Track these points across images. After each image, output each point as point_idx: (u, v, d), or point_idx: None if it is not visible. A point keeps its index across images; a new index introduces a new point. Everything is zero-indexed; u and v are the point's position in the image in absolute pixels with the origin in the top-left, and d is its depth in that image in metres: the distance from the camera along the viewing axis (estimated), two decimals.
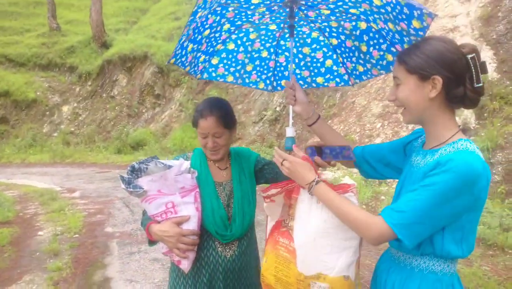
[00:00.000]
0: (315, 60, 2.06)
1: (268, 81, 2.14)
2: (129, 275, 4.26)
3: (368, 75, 2.00)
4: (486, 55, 7.72)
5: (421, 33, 1.54)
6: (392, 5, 1.53)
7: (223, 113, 1.83)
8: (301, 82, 2.12)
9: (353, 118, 10.47)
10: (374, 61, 1.91)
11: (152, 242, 1.87)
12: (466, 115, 7.63)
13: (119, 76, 17.04)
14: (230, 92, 13.92)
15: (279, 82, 2.14)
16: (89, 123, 16.54)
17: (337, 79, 2.10)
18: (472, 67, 1.29)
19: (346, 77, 2.07)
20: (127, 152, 14.30)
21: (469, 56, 1.29)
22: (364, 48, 1.91)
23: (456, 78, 1.30)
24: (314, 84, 2.12)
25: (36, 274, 4.28)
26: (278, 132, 11.67)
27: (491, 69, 7.64)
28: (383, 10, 1.59)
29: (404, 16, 1.52)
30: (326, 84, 2.10)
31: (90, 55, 18.06)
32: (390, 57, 1.90)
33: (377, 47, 1.84)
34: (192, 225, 1.72)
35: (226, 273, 1.81)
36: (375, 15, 1.67)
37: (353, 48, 1.94)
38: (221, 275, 1.81)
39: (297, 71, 2.10)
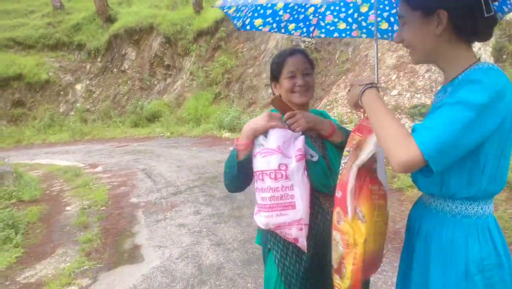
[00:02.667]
0: (303, 5, 1.95)
1: (245, 18, 1.98)
2: (157, 241, 4.38)
3: (344, 34, 1.98)
4: None
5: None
6: None
7: (307, 54, 1.78)
8: (274, 25, 2.00)
9: (367, 72, 10.24)
10: (364, 24, 1.88)
11: (242, 163, 1.64)
12: (484, 58, 7.37)
13: (127, 50, 16.94)
14: (240, 56, 13.71)
15: (253, 20, 1.98)
16: (104, 100, 16.65)
17: (304, 29, 2.06)
18: None
19: (312, 28, 2.03)
20: (144, 124, 14.44)
21: None
22: (363, 9, 1.86)
23: (463, 10, 1.20)
24: (283, 30, 2.01)
25: (68, 247, 4.44)
26: None
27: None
28: None
29: None
30: (292, 32, 2.03)
31: (96, 31, 17.94)
32: (384, 25, 1.86)
33: (378, 12, 1.77)
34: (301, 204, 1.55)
35: (325, 227, 1.64)
36: None
37: (351, 5, 1.89)
38: (320, 227, 1.64)
39: (280, 12, 1.96)
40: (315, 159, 1.61)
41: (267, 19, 1.97)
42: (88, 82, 17.44)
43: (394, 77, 9.52)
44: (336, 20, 1.98)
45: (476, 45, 7.40)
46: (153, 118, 14.59)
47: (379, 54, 10.43)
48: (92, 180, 7.48)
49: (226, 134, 11.15)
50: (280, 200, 1.53)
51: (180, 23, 15.50)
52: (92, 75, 17.51)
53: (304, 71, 1.70)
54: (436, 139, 1.10)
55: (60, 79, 17.18)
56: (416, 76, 9.02)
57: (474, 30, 1.22)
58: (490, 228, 1.26)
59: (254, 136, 1.61)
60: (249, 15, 1.95)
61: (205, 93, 13.77)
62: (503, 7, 1.53)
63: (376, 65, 1.72)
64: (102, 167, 8.89)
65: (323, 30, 2.03)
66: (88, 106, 16.81)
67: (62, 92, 17.13)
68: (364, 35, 1.97)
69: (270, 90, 12.14)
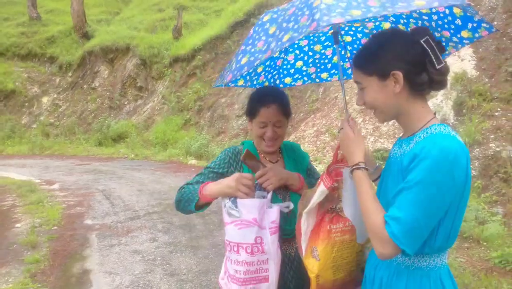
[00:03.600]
0: (323, 56, 2.09)
1: (272, 80, 2.14)
2: (108, 267, 4.22)
3: (343, 77, 2.09)
4: (466, 53, 7.87)
5: (466, 42, 1.54)
6: (442, 14, 1.49)
7: (284, 101, 1.76)
8: (305, 78, 2.16)
9: (335, 113, 10.55)
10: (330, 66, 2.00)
11: (200, 206, 1.70)
12: (445, 111, 7.77)
13: (100, 67, 16.76)
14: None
15: (283, 80, 2.16)
16: (70, 115, 16.24)
17: (341, 74, 2.17)
18: (429, 50, 1.25)
19: (349, 71, 2.11)
20: (108, 144, 14.12)
21: (422, 40, 1.26)
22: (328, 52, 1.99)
23: (416, 67, 1.27)
24: (317, 80, 2.16)
25: (13, 266, 4.20)
26: None
27: (470, 66, 7.78)
28: (425, 17, 1.55)
29: (452, 26, 1.49)
30: (329, 79, 2.15)
31: (71, 45, 17.71)
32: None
33: (342, 53, 1.90)
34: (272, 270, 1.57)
35: (295, 272, 1.72)
36: (411, 20, 1.63)
37: (350, 47, 2.00)
38: (290, 275, 1.71)
39: (304, 68, 2.12)
40: (289, 209, 1.66)
41: (295, 76, 2.14)
42: (55, 96, 17.03)
43: (360, 120, 9.84)
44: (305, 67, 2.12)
45: (438, 98, 7.82)
46: (119, 138, 14.31)
47: (347, 97, 10.83)
48: (47, 197, 7.19)
49: (192, 161, 11.06)
50: (255, 273, 1.55)
51: (157, 47, 15.57)
52: (61, 89, 17.13)
53: (276, 124, 1.73)
54: (405, 228, 1.17)
55: (26, 90, 16.71)
56: (378, 124, 9.38)
57: (430, 83, 1.29)
58: (442, 278, 1.31)
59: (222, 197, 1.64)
60: (276, 77, 2.14)
61: (175, 118, 13.72)
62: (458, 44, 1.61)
63: (345, 107, 1.80)
64: (59, 184, 8.57)
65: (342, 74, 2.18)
66: (52, 120, 16.33)
67: (27, 104, 16.62)
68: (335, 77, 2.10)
69: (240, 122, 12.26)
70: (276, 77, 2.15)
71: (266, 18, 1.53)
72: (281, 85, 2.19)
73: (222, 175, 1.77)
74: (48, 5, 20.86)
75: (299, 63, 2.10)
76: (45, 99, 16.87)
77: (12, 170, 10.46)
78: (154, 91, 15.63)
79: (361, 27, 1.98)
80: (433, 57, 1.25)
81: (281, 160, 1.86)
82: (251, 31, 1.54)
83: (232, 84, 1.95)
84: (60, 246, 4.84)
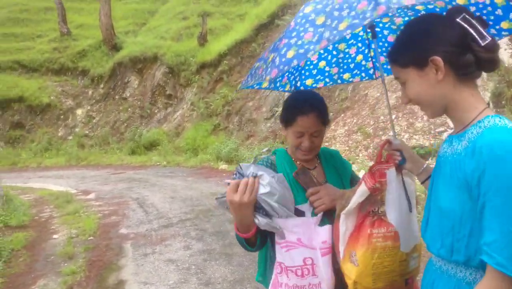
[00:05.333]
0: (347, 56, 2.01)
1: (293, 82, 2.06)
2: (143, 277, 4.21)
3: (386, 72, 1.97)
4: (502, 41, 7.47)
5: (505, 33, 1.44)
6: (481, 5, 1.40)
7: (323, 109, 1.63)
8: (327, 80, 2.07)
9: (366, 111, 10.28)
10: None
11: (253, 242, 1.55)
12: (489, 104, 7.42)
13: (130, 78, 17.12)
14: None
15: (304, 81, 2.07)
16: (103, 126, 16.66)
17: (363, 74, 2.07)
18: (468, 28, 1.12)
19: (371, 71, 2.04)
20: (141, 152, 14.37)
21: (459, 18, 1.13)
22: None
23: (457, 48, 1.13)
24: (339, 81, 2.07)
25: (50, 279, 4.26)
26: None
27: (506, 55, 7.39)
28: None
29: (492, 17, 1.41)
30: (351, 79, 2.07)
31: (101, 58, 18.19)
32: None
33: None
34: None
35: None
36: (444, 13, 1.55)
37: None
38: None
39: (327, 68, 2.03)
40: None
41: (317, 77, 2.04)
42: (89, 107, 17.51)
43: (393, 117, 9.54)
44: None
45: None
46: (151, 146, 14.54)
47: (377, 94, 10.55)
48: (83, 207, 7.33)
49: (223, 166, 11.06)
50: None
51: (184, 54, 15.74)
52: (94, 101, 17.60)
53: (314, 134, 1.61)
54: (507, 249, 0.99)
55: (61, 103, 17.26)
56: (414, 117, 9.05)
57: (478, 64, 1.13)
58: None
59: (250, 219, 1.47)
60: (297, 79, 2.03)
61: (205, 124, 13.79)
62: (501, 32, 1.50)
63: (388, 106, 1.67)
64: (94, 194, 8.74)
65: (382, 70, 2.08)
66: (87, 132, 16.80)
67: (62, 117, 17.17)
68: None
69: (269, 124, 12.16)
70: (297, 79, 2.05)
71: (308, 9, 1.43)
72: (301, 88, 2.10)
73: None
74: (78, 20, 21.54)
75: (322, 64, 2.00)
76: (79, 112, 17.38)
77: (50, 181, 10.79)
78: (182, 98, 15.79)
79: (389, 23, 1.86)
80: (475, 34, 1.11)
81: (319, 166, 1.73)
82: (292, 23, 1.43)
83: (257, 87, 1.86)
84: (96, 256, 4.89)
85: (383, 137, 9.26)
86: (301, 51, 1.27)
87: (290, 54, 1.29)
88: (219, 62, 14.67)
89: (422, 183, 1.48)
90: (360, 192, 1.38)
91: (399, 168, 1.45)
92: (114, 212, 7.04)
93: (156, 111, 16.28)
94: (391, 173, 1.38)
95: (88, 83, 17.84)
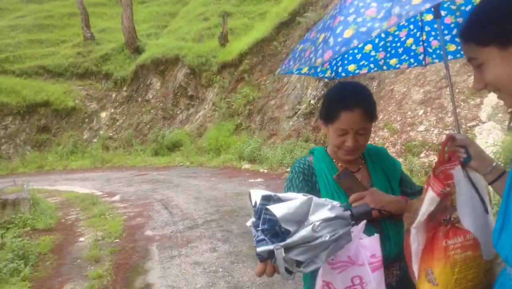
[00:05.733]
0: (396, 39, 1.83)
1: (335, 68, 1.89)
2: (170, 280, 4.11)
3: (459, 55, 1.78)
4: None
5: None
6: None
7: (370, 104, 1.44)
8: (371, 65, 1.90)
9: (393, 107, 9.99)
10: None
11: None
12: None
13: (152, 80, 17.23)
14: (262, 88, 13.69)
15: (346, 67, 1.89)
16: (126, 128, 16.82)
17: (411, 60, 1.89)
18: None
19: (421, 57, 1.86)
20: (164, 153, 14.42)
21: None
22: None
23: None
24: (385, 67, 1.90)
25: (77, 283, 4.21)
26: (314, 125, 11.32)
27: None
28: None
29: None
30: (398, 66, 1.88)
31: (124, 61, 18.40)
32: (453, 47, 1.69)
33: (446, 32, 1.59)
34: None
35: None
36: None
37: (452, 25, 1.69)
38: None
39: (372, 52, 1.86)
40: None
41: (361, 63, 1.87)
42: (112, 110, 17.73)
43: (421, 112, 9.23)
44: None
45: None
46: (173, 147, 14.57)
47: (404, 89, 10.22)
48: (109, 209, 7.33)
49: (246, 165, 10.95)
50: None
51: (205, 55, 15.72)
52: (117, 103, 17.80)
53: (359, 131, 1.42)
54: None
55: (86, 106, 17.53)
56: (444, 112, 8.71)
57: None
58: None
59: None
60: (339, 64, 1.86)
61: (227, 124, 13.72)
62: None
63: (451, 89, 1.46)
64: (119, 195, 8.76)
65: (434, 56, 1.90)
66: (111, 134, 17.00)
67: (87, 120, 17.43)
68: None
69: (291, 123, 11.97)
70: (339, 64, 1.87)
71: None
72: (343, 74, 1.91)
73: None
74: (101, 25, 21.87)
75: (368, 47, 1.82)
76: (103, 114, 17.61)
77: (76, 183, 10.91)
78: (204, 99, 15.78)
79: (448, 3, 1.66)
80: None
81: (364, 167, 1.54)
82: None
83: (296, 72, 1.67)
84: (122, 259, 4.83)
85: (411, 134, 8.96)
86: (363, 29, 1.08)
87: (348, 33, 1.11)
88: (240, 61, 14.57)
89: (490, 184, 1.27)
90: (429, 200, 1.17)
91: (463, 166, 1.25)
92: (139, 214, 7.01)
93: (178, 112, 16.32)
94: (458, 172, 1.19)
95: (111, 86, 18.06)
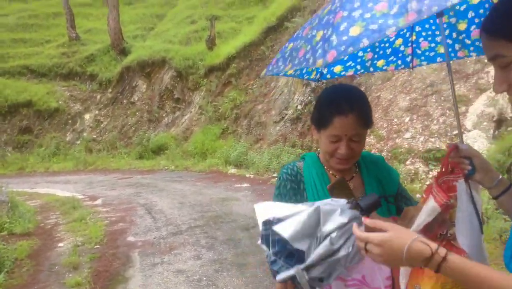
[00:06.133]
0: (385, 39, 1.74)
1: (320, 69, 1.78)
2: None
3: (449, 57, 1.69)
4: None
5: None
6: None
7: (365, 108, 1.35)
8: (358, 67, 1.80)
9: (379, 114, 10.04)
10: (469, 42, 1.58)
11: None
12: (502, 105, 7.12)
13: (138, 82, 17.02)
14: (250, 92, 13.63)
15: (331, 68, 1.79)
16: (111, 130, 16.55)
17: (399, 62, 1.80)
18: None
19: (409, 58, 1.77)
20: (149, 157, 14.21)
21: None
22: (462, 27, 1.57)
23: None
24: (372, 69, 1.80)
25: None
26: (300, 131, 11.29)
27: None
28: None
29: None
30: (385, 68, 1.80)
31: (109, 62, 18.14)
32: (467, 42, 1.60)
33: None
34: None
35: None
36: None
37: (445, 25, 1.61)
38: None
39: (360, 53, 1.76)
40: None
41: (348, 64, 1.76)
42: (97, 112, 17.44)
43: (407, 120, 9.29)
44: (433, 45, 1.75)
45: None
46: (159, 150, 14.38)
47: (390, 96, 10.28)
48: (90, 214, 7.14)
49: (232, 170, 10.85)
50: None
51: (192, 58, 15.60)
52: (102, 105, 17.52)
53: (353, 138, 1.32)
54: None
55: (69, 108, 17.21)
56: (430, 119, 8.77)
57: None
58: None
59: None
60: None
61: (213, 128, 13.61)
62: None
63: (452, 88, 1.38)
64: (101, 199, 8.56)
65: (422, 58, 1.80)
66: (95, 136, 16.70)
67: (70, 121, 17.10)
68: (473, 54, 1.69)
69: (278, 128, 11.93)
70: (400, 61, 1.80)
71: None
72: (328, 76, 1.80)
73: None
74: (86, 25, 21.55)
75: (425, 44, 1.75)
76: (87, 116, 17.31)
77: (57, 186, 10.64)
78: (191, 102, 15.64)
79: None
80: None
81: (357, 176, 1.44)
82: None
83: (281, 74, 1.55)
84: (102, 266, 4.68)
85: (397, 141, 9.00)
86: (373, 27, 0.97)
87: (355, 31, 0.99)
88: (228, 65, 14.50)
89: (495, 198, 1.19)
90: (429, 210, 1.08)
91: (466, 179, 1.17)
92: (121, 219, 6.85)
93: (164, 115, 16.14)
94: (461, 185, 1.11)
95: (96, 87, 17.77)
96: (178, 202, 7.73)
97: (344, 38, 1.00)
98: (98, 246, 5.44)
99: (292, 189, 1.40)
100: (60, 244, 5.59)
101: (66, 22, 19.55)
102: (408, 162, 8.05)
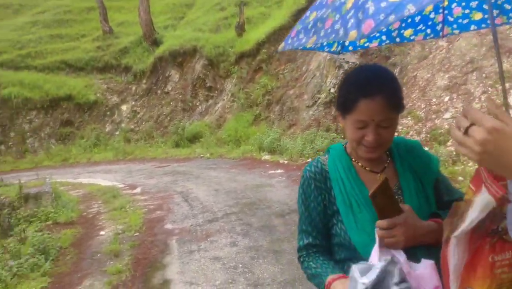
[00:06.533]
0: None
1: (341, 40, 1.63)
2: (189, 276, 4.06)
3: (484, 25, 1.55)
4: None
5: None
6: None
7: (395, 90, 1.21)
8: (383, 37, 1.65)
9: (416, 94, 9.68)
10: (509, 7, 1.43)
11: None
12: None
13: (171, 72, 17.24)
14: (281, 78, 13.49)
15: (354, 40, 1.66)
16: (147, 120, 16.93)
17: (428, 31, 1.65)
18: None
19: (439, 27, 1.62)
20: (185, 145, 14.44)
21: None
22: None
23: None
24: (398, 39, 1.65)
25: (96, 278, 4.21)
26: (334, 115, 11.08)
27: None
28: None
29: None
30: (412, 37, 1.65)
31: (142, 54, 18.46)
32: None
33: None
34: None
35: None
36: None
37: None
38: None
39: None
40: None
41: (371, 34, 1.61)
42: (133, 103, 17.85)
43: (446, 99, 8.91)
44: (467, 11, 1.59)
45: None
46: (194, 139, 14.57)
47: (428, 75, 9.85)
48: (129, 202, 7.35)
49: (266, 156, 10.83)
50: None
51: (222, 45, 15.59)
52: (137, 96, 17.91)
53: (382, 123, 1.18)
54: None
55: (107, 100, 17.71)
56: (471, 98, 8.37)
57: None
58: None
59: None
60: None
61: (245, 115, 13.61)
62: None
63: (498, 58, 1.24)
64: (140, 188, 8.80)
65: (454, 26, 1.66)
66: (132, 127, 17.14)
67: (108, 113, 17.61)
68: None
69: (311, 112, 11.76)
70: (429, 30, 1.67)
71: None
72: (350, 48, 1.68)
73: None
74: (119, 18, 21.98)
75: (458, 10, 1.62)
76: (124, 107, 17.76)
77: (99, 176, 11.03)
78: (223, 90, 15.69)
79: None
80: None
81: (390, 167, 1.31)
82: None
83: (300, 48, 1.42)
84: (141, 253, 4.81)
85: (437, 121, 8.65)
86: None
87: None
88: (258, 51, 14.38)
89: None
90: (483, 204, 0.93)
91: None
92: (159, 207, 7.00)
93: (197, 104, 16.31)
94: None
95: (131, 79, 18.17)
96: (214, 189, 7.82)
97: (383, 4, 0.88)
98: (137, 233, 5.59)
99: (316, 188, 1.30)
100: (102, 232, 5.79)
101: (99, 16, 20.02)
102: (449, 143, 7.74)
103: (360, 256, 1.17)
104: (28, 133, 16.68)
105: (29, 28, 21.68)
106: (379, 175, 1.27)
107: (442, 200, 1.30)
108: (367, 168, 1.30)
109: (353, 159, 1.31)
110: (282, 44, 1.37)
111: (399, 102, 1.22)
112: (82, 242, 5.43)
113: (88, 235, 5.70)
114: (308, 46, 1.55)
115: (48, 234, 5.21)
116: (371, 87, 1.17)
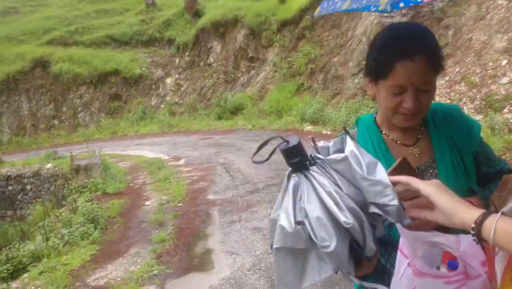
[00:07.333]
0: None
1: None
2: (229, 246, 4.10)
3: None
4: None
5: None
6: None
7: (435, 49, 1.06)
8: None
9: (471, 58, 9.02)
10: None
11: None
12: None
13: (213, 43, 17.18)
14: (325, 45, 13.03)
15: None
16: (191, 93, 17.13)
17: None
18: None
19: None
20: (227, 117, 14.52)
21: None
22: None
23: None
24: None
25: (141, 246, 4.37)
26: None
27: None
28: None
29: None
30: None
31: (185, 26, 18.51)
32: None
33: None
34: None
35: None
36: None
37: None
38: None
39: None
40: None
41: None
42: (177, 76, 18.08)
43: (504, 62, 8.23)
44: None
45: None
46: (236, 111, 14.60)
47: (484, 37, 9.11)
48: (173, 173, 7.53)
49: (308, 127, 10.64)
50: None
51: (264, 14, 15.26)
52: (181, 69, 18.10)
53: (421, 87, 1.04)
54: None
55: (152, 73, 18.05)
56: None
57: None
58: None
59: None
60: None
61: (288, 85, 13.37)
62: None
63: None
64: (184, 160, 8.98)
65: None
66: (177, 100, 17.43)
67: (153, 86, 17.99)
68: None
69: (357, 80, 11.33)
70: None
71: None
72: (401, 4, 1.49)
73: None
74: None
75: None
76: (168, 80, 18.05)
77: (145, 148, 11.39)
78: (265, 60, 15.46)
79: None
80: None
81: (424, 138, 1.16)
82: None
83: (331, 10, 1.29)
84: (184, 223, 4.93)
85: (493, 87, 8.04)
86: None
87: None
88: (301, 18, 13.93)
89: None
90: None
91: None
92: (202, 178, 7.12)
93: (239, 75, 16.23)
94: None
95: (174, 52, 18.34)
96: None
97: None
98: (180, 204, 5.73)
99: None
100: (147, 203, 5.99)
101: None
102: (505, 110, 7.19)
103: (391, 236, 1.05)
104: (79, 108, 17.45)
105: (76, 4, 22.31)
106: (396, 142, 1.15)
107: (479, 171, 1.14)
108: (398, 142, 1.16)
109: (384, 132, 1.18)
110: (318, 9, 1.24)
111: (440, 62, 1.07)
112: (129, 211, 5.65)
113: (135, 205, 5.92)
114: (344, 8, 1.40)
115: (97, 204, 5.46)
116: (409, 47, 1.02)
